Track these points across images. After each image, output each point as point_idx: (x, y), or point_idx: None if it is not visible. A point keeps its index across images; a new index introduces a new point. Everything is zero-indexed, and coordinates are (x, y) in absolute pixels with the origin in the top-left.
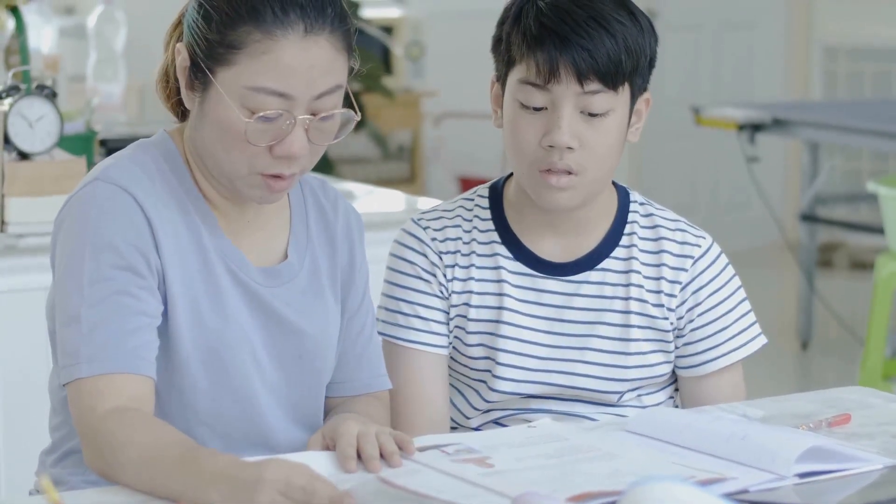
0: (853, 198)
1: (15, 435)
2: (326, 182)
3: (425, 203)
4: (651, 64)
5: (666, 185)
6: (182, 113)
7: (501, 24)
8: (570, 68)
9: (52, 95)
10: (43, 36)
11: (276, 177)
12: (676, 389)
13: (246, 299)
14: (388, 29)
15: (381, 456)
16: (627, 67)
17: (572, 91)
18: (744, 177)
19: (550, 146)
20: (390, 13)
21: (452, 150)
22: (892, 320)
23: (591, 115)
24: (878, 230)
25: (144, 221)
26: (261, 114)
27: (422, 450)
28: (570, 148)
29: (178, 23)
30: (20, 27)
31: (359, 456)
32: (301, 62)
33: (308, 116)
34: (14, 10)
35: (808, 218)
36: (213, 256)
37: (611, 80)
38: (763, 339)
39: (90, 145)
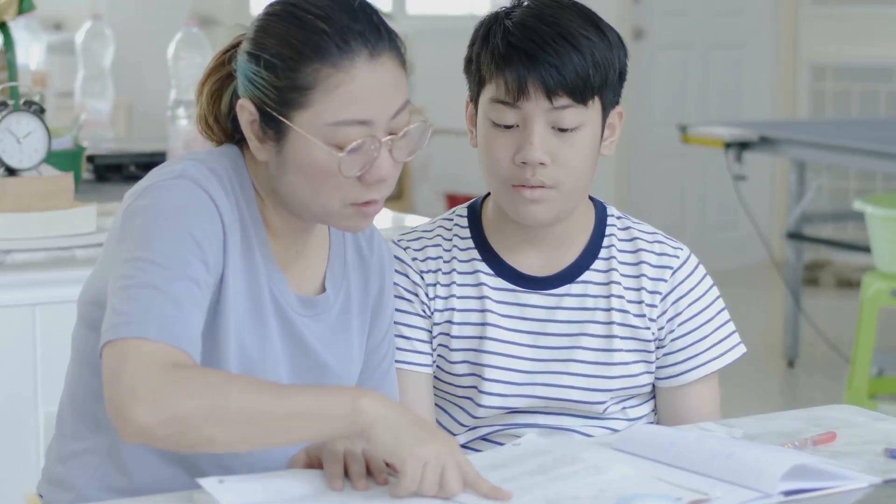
0: (840, 216)
1: (2, 450)
2: None
3: (412, 221)
4: (621, 77)
5: (653, 203)
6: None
7: (472, 44)
8: (539, 85)
9: (39, 111)
10: (31, 52)
11: (368, 203)
12: None
13: (281, 325)
14: None
15: (368, 473)
16: (596, 82)
17: (542, 108)
18: (731, 195)
19: (523, 162)
20: None
21: (439, 168)
22: (879, 339)
23: (562, 130)
24: (865, 249)
25: (220, 222)
26: (352, 146)
27: None
28: (542, 164)
29: (214, 70)
30: (8, 43)
31: (346, 473)
32: (373, 86)
33: (390, 137)
34: (2, 26)
35: (795, 236)
36: (262, 276)
37: (580, 95)
38: (742, 349)
39: (78, 162)
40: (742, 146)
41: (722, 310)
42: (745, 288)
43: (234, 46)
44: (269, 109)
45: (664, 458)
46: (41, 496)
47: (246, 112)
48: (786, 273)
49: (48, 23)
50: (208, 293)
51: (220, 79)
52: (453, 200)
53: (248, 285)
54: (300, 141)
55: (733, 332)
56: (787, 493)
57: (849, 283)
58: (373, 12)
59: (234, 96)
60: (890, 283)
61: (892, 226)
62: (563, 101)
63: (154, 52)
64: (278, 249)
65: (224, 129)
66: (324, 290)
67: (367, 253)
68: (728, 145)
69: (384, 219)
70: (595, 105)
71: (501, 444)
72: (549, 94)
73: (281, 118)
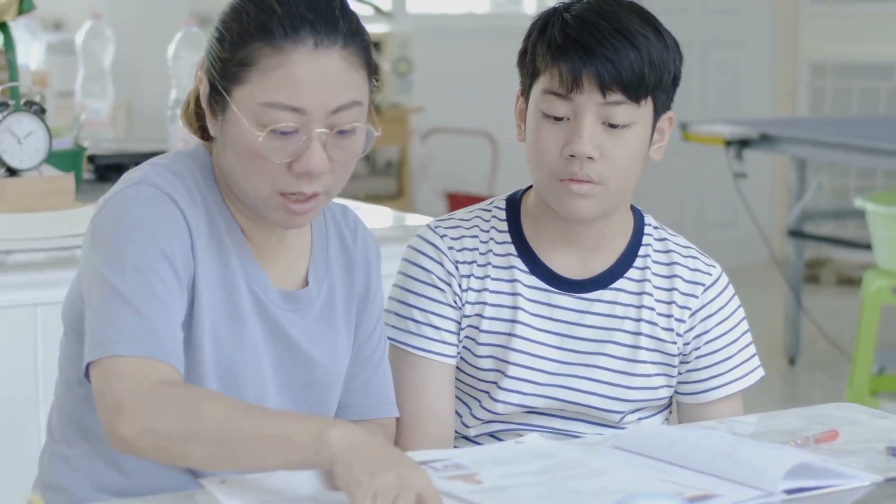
0: (840, 214)
1: (3, 449)
2: (348, 208)
3: (413, 219)
4: (675, 82)
5: (653, 202)
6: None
7: (528, 37)
8: (594, 78)
9: (40, 112)
10: (31, 52)
11: (299, 200)
12: (671, 412)
13: (262, 321)
14: (375, 45)
15: None
16: (651, 81)
17: (594, 101)
18: (731, 194)
19: (571, 155)
20: (378, 29)
21: (440, 166)
22: (880, 336)
23: (613, 126)
24: (866, 246)
25: (185, 227)
26: (272, 126)
27: None
28: (590, 158)
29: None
30: (8, 43)
31: None
32: (312, 76)
33: (324, 130)
34: (2, 26)
35: (796, 234)
36: (237, 274)
37: (633, 92)
38: (761, 372)
39: (79, 161)
40: (742, 144)
41: (746, 332)
42: (745, 286)
43: None
44: (216, 81)
45: (665, 457)
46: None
47: (203, 84)
48: (786, 271)
49: (48, 23)
50: (182, 299)
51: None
52: (453, 199)
53: (223, 285)
54: (234, 116)
55: (754, 355)
56: (789, 492)
57: (850, 281)
58: (339, 7)
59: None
60: (891, 281)
61: (893, 223)
62: (617, 96)
63: (154, 51)
64: (255, 245)
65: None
66: (307, 284)
67: (350, 246)
68: (728, 143)
69: (384, 218)
70: (647, 105)
71: None
72: (603, 89)
73: (223, 91)
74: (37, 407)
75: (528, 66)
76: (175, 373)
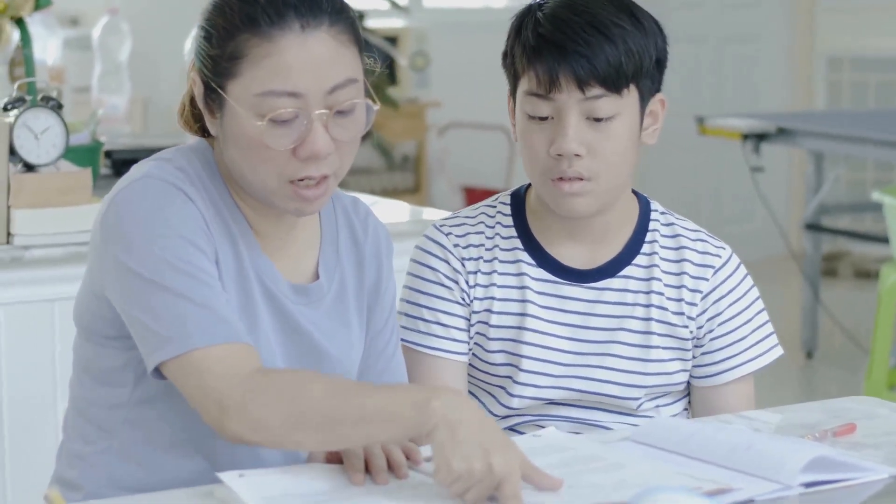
0: (857, 207)
1: (21, 445)
2: (359, 200)
3: (430, 213)
4: (660, 64)
5: (669, 195)
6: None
7: (507, 39)
8: (570, 76)
9: (57, 107)
10: (48, 48)
11: (309, 186)
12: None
13: (274, 314)
14: (392, 39)
15: (389, 468)
16: (629, 70)
17: (574, 98)
18: (748, 187)
19: (559, 154)
20: (395, 24)
21: (457, 161)
22: None
23: (597, 120)
24: (883, 239)
25: (199, 213)
26: (272, 115)
27: (428, 459)
28: (577, 155)
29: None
30: (25, 39)
31: (366, 468)
32: (303, 59)
33: (324, 112)
34: (19, 22)
35: (813, 227)
36: (247, 266)
37: (612, 84)
38: (780, 350)
39: (96, 157)
40: (759, 138)
41: (761, 311)
42: (762, 280)
43: None
44: (209, 80)
45: (683, 450)
46: None
47: (197, 86)
48: (803, 265)
49: (64, 18)
50: (217, 278)
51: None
52: (470, 193)
53: (236, 276)
54: (232, 111)
55: (771, 334)
56: (808, 485)
57: (867, 274)
58: None
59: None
60: None
61: None
62: (596, 90)
63: (170, 47)
64: (262, 238)
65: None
66: (317, 277)
67: (361, 237)
68: (746, 137)
69: (401, 213)
70: (631, 94)
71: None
72: (581, 85)
73: (218, 89)
74: (54, 401)
75: (510, 69)
76: (255, 354)
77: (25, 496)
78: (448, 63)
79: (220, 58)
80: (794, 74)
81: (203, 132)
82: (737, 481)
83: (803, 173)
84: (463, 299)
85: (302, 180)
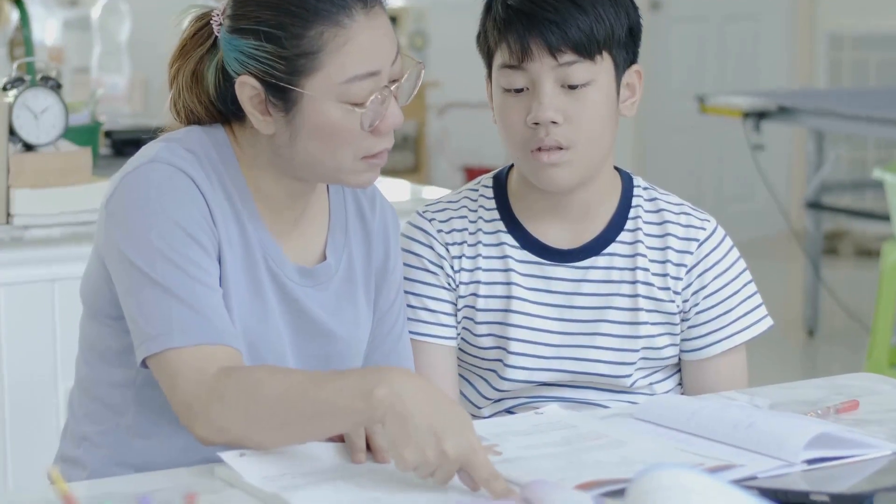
0: (859, 185)
1: (22, 425)
2: None
3: (430, 193)
4: (633, 35)
5: (671, 174)
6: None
7: (480, 19)
8: (542, 43)
9: (56, 87)
10: (47, 28)
11: (380, 157)
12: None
13: (280, 296)
14: (392, 19)
15: None
16: (600, 35)
17: (548, 66)
18: (749, 166)
19: (535, 123)
20: (394, 3)
21: (457, 140)
22: None
23: (572, 87)
24: (884, 217)
25: (203, 201)
26: (372, 97)
27: None
28: (554, 123)
29: (182, 54)
30: (24, 19)
31: (368, 447)
32: (374, 36)
33: (394, 84)
34: (18, 2)
35: (814, 206)
36: (255, 249)
37: (585, 49)
38: (769, 322)
39: (95, 136)
40: (760, 116)
41: (749, 282)
42: (763, 258)
43: (205, 26)
44: (275, 81)
45: (686, 427)
46: None
47: (248, 88)
48: (805, 243)
49: None
50: (215, 272)
51: (198, 60)
52: (471, 173)
53: (244, 259)
54: (313, 105)
55: (760, 305)
56: (811, 462)
57: (868, 253)
58: None
59: (218, 75)
60: None
61: None
62: (568, 56)
63: (170, 27)
64: (272, 221)
65: (209, 109)
66: (325, 258)
67: (369, 215)
68: (746, 115)
69: (402, 192)
70: (605, 61)
71: None
72: (553, 51)
73: (291, 87)
74: (55, 381)
75: (483, 47)
76: (231, 353)
77: (27, 475)
78: (447, 42)
79: (295, 57)
80: (795, 53)
81: (208, 122)
82: (740, 458)
83: (804, 151)
84: (449, 284)
85: (375, 155)
